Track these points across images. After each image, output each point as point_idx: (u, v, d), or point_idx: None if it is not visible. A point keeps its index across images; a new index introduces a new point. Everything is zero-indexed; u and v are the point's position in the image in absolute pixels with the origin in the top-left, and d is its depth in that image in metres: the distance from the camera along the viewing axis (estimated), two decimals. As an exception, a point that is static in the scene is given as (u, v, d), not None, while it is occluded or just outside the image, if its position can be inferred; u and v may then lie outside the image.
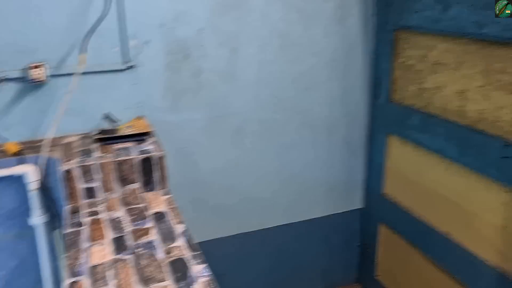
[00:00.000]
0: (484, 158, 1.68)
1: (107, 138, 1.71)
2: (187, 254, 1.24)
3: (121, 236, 1.33)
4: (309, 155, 2.28)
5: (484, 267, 1.74)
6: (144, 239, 1.31)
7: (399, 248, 2.26)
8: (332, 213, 2.46)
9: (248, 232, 2.28)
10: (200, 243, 2.06)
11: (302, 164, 2.28)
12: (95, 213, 1.47)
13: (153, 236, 1.33)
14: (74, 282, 1.13)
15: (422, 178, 2.04)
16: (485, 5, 1.57)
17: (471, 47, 1.69)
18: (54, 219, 1.64)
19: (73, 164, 1.51)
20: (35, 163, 1.57)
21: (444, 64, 1.83)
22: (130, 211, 1.47)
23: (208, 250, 2.17)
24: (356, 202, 2.49)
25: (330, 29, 2.11)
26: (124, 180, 1.58)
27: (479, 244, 1.77)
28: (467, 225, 1.82)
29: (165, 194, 1.60)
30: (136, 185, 1.59)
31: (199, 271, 1.16)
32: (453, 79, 1.79)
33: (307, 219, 2.40)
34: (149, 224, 1.39)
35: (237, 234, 2.26)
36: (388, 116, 2.19)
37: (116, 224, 1.39)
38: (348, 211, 2.50)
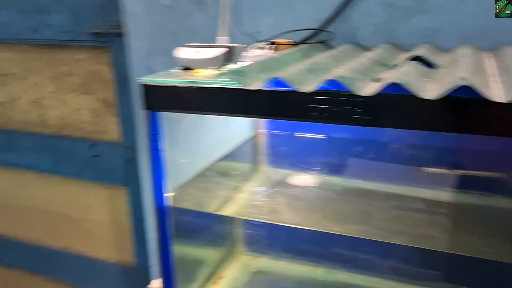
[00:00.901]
0: (76, 162, 1.66)
1: None
2: None
3: None
4: None
5: (108, 266, 1.76)
6: None
7: (21, 283, 2.02)
8: None
9: None
10: None
11: None
12: None
13: None
14: None
15: (22, 201, 1.86)
16: (36, 9, 1.52)
17: (33, 54, 1.61)
18: None
19: None
20: None
21: (12, 75, 1.69)
22: None
23: None
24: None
25: None
26: None
27: (97, 247, 1.77)
28: (82, 233, 1.78)
29: None
30: None
31: None
32: (25, 89, 1.68)
33: None
34: None
35: None
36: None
37: None
38: None
